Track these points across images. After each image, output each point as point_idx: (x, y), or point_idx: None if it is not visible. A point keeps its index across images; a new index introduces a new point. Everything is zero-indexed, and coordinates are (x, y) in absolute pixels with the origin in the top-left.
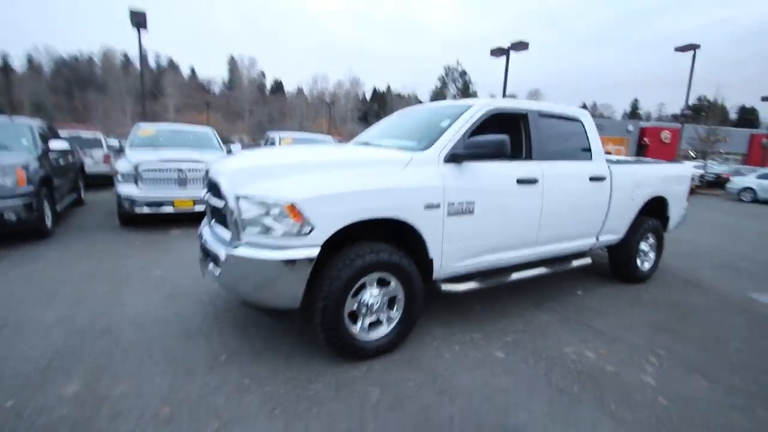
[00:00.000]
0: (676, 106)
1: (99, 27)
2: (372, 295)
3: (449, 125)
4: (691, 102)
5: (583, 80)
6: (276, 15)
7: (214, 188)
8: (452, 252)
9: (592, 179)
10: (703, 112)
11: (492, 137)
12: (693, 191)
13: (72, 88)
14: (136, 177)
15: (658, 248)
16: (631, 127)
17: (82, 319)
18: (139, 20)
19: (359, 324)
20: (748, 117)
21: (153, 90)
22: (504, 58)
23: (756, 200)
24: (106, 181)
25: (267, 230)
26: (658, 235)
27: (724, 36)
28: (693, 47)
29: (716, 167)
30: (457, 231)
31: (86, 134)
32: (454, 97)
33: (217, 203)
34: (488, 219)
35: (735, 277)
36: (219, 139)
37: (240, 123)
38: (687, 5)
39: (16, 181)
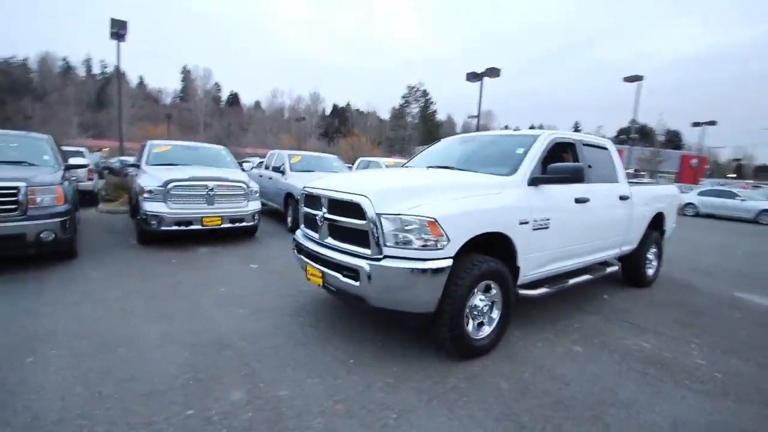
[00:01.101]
0: (612, 128)
1: (35, 31)
2: (480, 299)
3: (525, 153)
4: (622, 125)
5: (530, 102)
6: (231, 25)
7: (339, 207)
8: (532, 261)
9: (621, 198)
10: (635, 134)
11: (571, 165)
12: None
13: (4, 95)
14: (165, 194)
15: (659, 256)
16: None
17: (186, 335)
18: (119, 30)
19: (470, 325)
20: (673, 139)
21: (101, 99)
22: (460, 81)
23: (698, 214)
24: (87, 198)
25: (407, 243)
26: (659, 245)
27: (650, 66)
28: (638, 78)
29: None
30: (537, 243)
31: (67, 149)
32: (418, 115)
33: (351, 222)
34: (558, 233)
35: (714, 280)
36: (233, 156)
37: (197, 136)
38: (618, 38)
39: (54, 199)
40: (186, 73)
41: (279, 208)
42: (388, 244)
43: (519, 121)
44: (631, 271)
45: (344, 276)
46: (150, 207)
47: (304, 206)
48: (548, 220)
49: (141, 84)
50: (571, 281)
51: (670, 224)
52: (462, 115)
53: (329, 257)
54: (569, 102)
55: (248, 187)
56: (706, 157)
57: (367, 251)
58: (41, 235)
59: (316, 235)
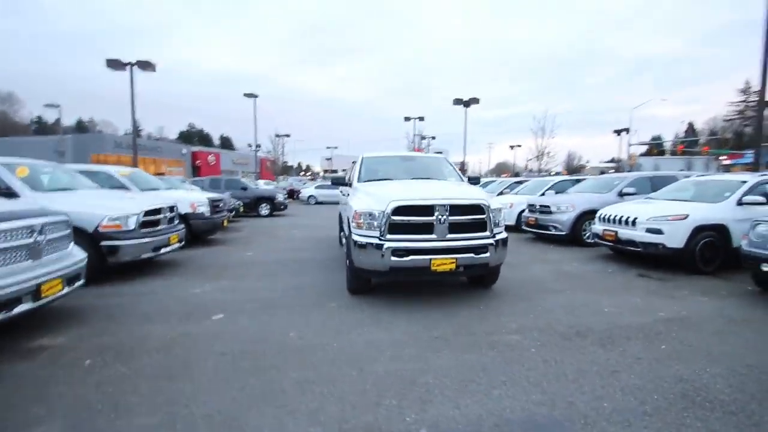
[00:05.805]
0: (174, 130)
1: None
2: None
3: (453, 167)
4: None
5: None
6: None
7: (460, 210)
8: None
9: None
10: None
11: (475, 176)
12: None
13: None
14: None
15: None
16: (185, 150)
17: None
18: None
19: None
20: (226, 143)
21: None
22: None
23: (318, 203)
24: None
25: (498, 224)
26: None
27: (188, 73)
28: (254, 95)
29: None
30: None
31: None
32: None
33: (475, 218)
34: None
35: None
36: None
37: None
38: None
39: None
40: None
41: None
42: (495, 226)
43: (147, 123)
44: None
45: (477, 254)
46: None
47: (403, 216)
48: None
49: None
50: None
51: None
52: None
53: (462, 246)
54: (182, 106)
55: (70, 222)
56: (219, 154)
57: (485, 233)
58: None
59: (430, 236)
